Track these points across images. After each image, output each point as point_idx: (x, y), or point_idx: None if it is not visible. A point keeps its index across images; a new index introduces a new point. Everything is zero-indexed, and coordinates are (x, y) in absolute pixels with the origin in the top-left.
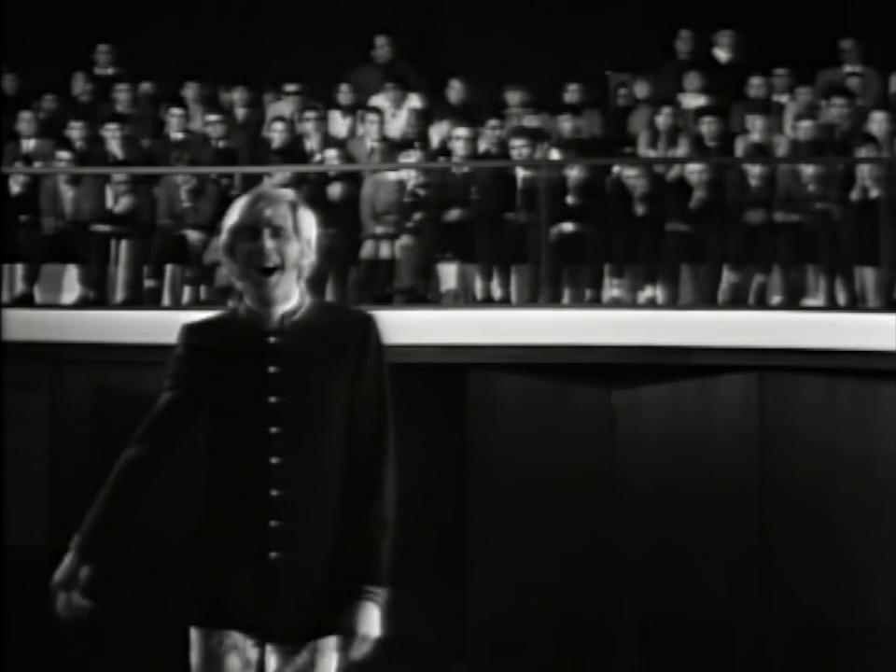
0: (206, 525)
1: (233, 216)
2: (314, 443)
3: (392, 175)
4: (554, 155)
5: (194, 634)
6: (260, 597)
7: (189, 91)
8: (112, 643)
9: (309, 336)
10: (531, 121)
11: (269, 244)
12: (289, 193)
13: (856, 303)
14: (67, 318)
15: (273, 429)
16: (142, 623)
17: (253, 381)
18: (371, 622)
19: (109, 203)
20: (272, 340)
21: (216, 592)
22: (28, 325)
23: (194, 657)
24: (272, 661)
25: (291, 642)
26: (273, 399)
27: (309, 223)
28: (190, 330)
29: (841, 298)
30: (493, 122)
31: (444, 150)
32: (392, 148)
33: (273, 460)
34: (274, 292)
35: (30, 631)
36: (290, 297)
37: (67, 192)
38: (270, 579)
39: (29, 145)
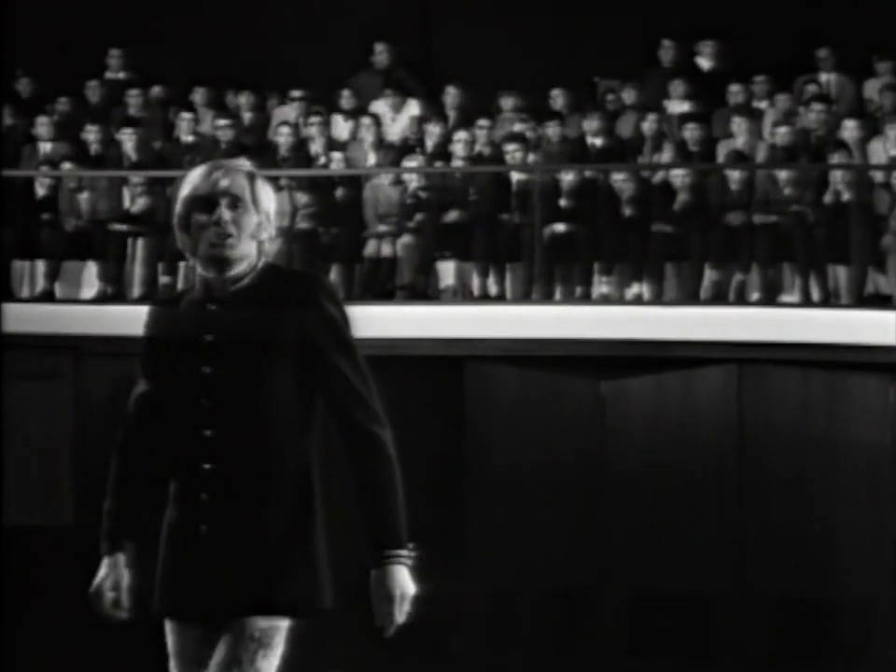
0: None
1: (188, 186)
2: (247, 416)
3: (387, 179)
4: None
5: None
6: (192, 574)
7: (198, 95)
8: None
9: (251, 304)
10: (523, 127)
11: (226, 214)
12: (246, 164)
13: (829, 300)
14: (88, 313)
15: (205, 402)
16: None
17: (190, 352)
18: (405, 581)
19: (126, 203)
20: (211, 308)
21: (162, 577)
22: (52, 319)
23: (168, 645)
24: (218, 644)
25: (224, 622)
26: (207, 370)
27: (268, 196)
28: (153, 311)
29: (815, 294)
30: (483, 122)
31: (444, 154)
32: (392, 152)
33: (207, 433)
34: (228, 253)
35: (59, 606)
36: (242, 262)
37: (82, 194)
38: (200, 553)
39: (46, 148)
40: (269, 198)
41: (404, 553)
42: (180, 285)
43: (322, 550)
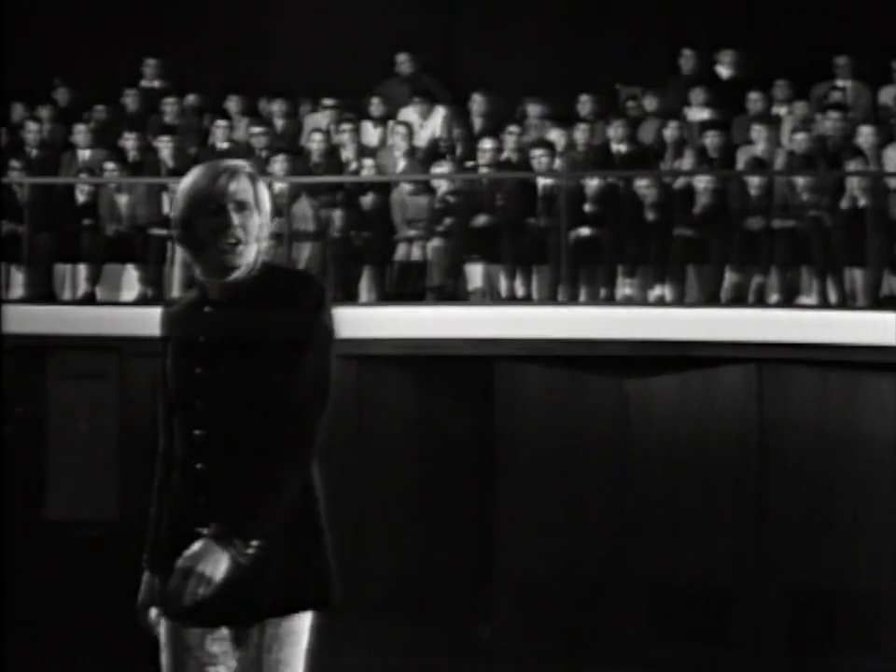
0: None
1: (192, 187)
2: (236, 417)
3: (410, 187)
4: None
5: (162, 627)
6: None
7: (232, 103)
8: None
9: (245, 304)
10: (558, 133)
11: (235, 219)
12: (246, 165)
13: (846, 302)
14: (130, 314)
15: (198, 403)
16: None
17: (187, 350)
18: (218, 563)
19: (166, 208)
20: (206, 310)
21: (162, 580)
22: (96, 321)
23: (162, 654)
24: (220, 647)
25: (233, 625)
26: (198, 371)
27: (266, 196)
28: (164, 313)
29: (832, 297)
30: (512, 128)
31: (473, 158)
32: (422, 159)
33: (197, 433)
34: (237, 261)
35: (103, 596)
36: (244, 266)
37: (121, 199)
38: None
39: (85, 155)
40: (267, 198)
41: (238, 542)
42: None
43: (325, 544)
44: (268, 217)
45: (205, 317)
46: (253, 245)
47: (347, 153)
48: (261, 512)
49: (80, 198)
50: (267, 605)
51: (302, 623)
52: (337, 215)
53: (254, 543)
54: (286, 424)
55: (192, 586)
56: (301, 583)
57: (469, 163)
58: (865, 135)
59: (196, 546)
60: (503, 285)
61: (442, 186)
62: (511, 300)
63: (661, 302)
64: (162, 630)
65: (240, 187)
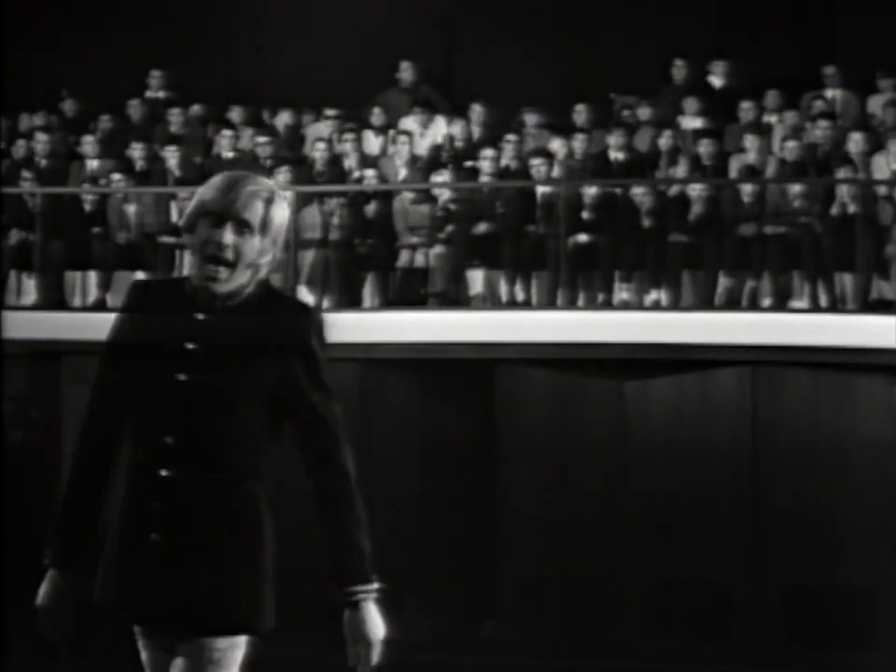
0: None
1: (204, 192)
2: (209, 428)
3: (412, 195)
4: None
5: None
6: (142, 584)
7: (235, 113)
8: None
9: (239, 321)
10: (558, 144)
11: (228, 238)
12: (268, 186)
13: (836, 305)
14: None
15: (172, 409)
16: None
17: (168, 358)
18: (375, 624)
19: (174, 216)
20: (199, 317)
21: (118, 586)
22: (106, 327)
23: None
24: (177, 658)
25: (181, 635)
26: (181, 377)
27: (281, 219)
28: (136, 287)
29: (823, 300)
30: (510, 137)
31: (472, 168)
32: (424, 168)
33: (168, 440)
34: (219, 287)
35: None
36: (234, 284)
37: (129, 208)
38: (151, 562)
39: (93, 165)
40: (281, 221)
41: (372, 588)
42: None
43: (270, 567)
44: (276, 240)
45: (197, 324)
46: (244, 269)
47: (349, 162)
48: (367, 553)
49: (87, 207)
50: (201, 623)
51: (235, 645)
52: (339, 222)
53: (376, 580)
54: (344, 462)
55: (374, 653)
56: (234, 607)
57: (469, 163)
58: (854, 143)
59: (362, 615)
60: (503, 290)
61: (444, 194)
62: (512, 305)
63: (657, 307)
64: (143, 658)
65: (249, 206)
